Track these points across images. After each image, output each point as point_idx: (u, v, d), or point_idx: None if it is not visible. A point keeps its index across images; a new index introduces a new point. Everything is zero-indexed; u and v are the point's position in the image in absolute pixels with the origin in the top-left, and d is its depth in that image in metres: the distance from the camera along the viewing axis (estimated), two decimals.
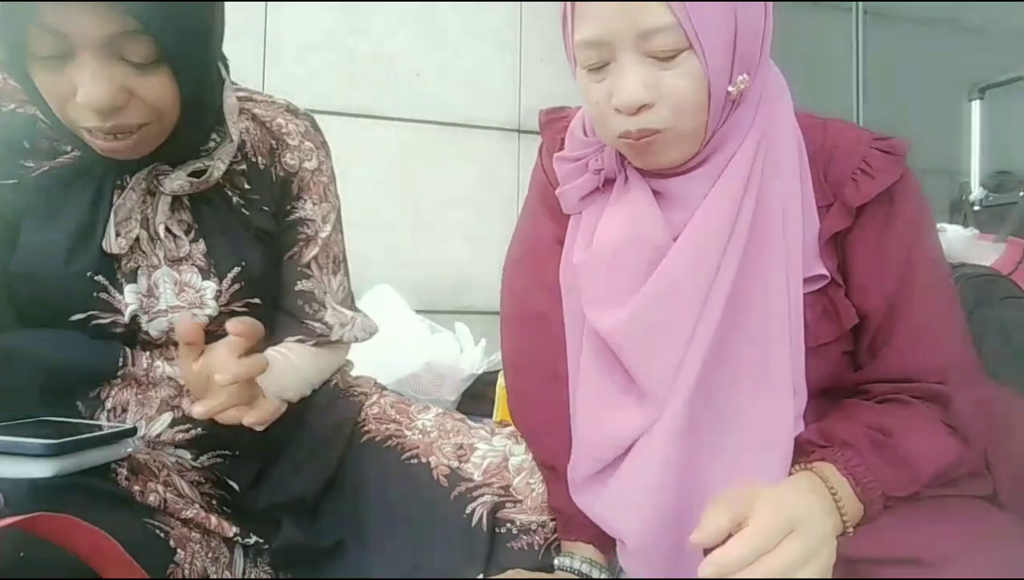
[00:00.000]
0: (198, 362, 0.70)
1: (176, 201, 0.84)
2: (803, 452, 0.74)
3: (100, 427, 0.75)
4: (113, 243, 0.80)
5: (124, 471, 0.77)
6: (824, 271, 0.76)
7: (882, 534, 0.68)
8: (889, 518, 0.70)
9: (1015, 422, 0.82)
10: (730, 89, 0.71)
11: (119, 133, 0.73)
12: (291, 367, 0.87)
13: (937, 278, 0.77)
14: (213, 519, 0.79)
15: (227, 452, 0.88)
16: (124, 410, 0.82)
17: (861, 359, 0.78)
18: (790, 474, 0.73)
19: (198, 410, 0.69)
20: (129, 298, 0.81)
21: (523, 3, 2.35)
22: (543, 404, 0.88)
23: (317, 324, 0.93)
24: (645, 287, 0.76)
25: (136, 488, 0.76)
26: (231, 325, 0.69)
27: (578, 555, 0.81)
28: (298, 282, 0.93)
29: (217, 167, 0.84)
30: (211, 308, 0.85)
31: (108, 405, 0.81)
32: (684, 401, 0.74)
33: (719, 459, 0.75)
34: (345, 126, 2.20)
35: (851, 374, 0.79)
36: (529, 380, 0.90)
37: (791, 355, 0.75)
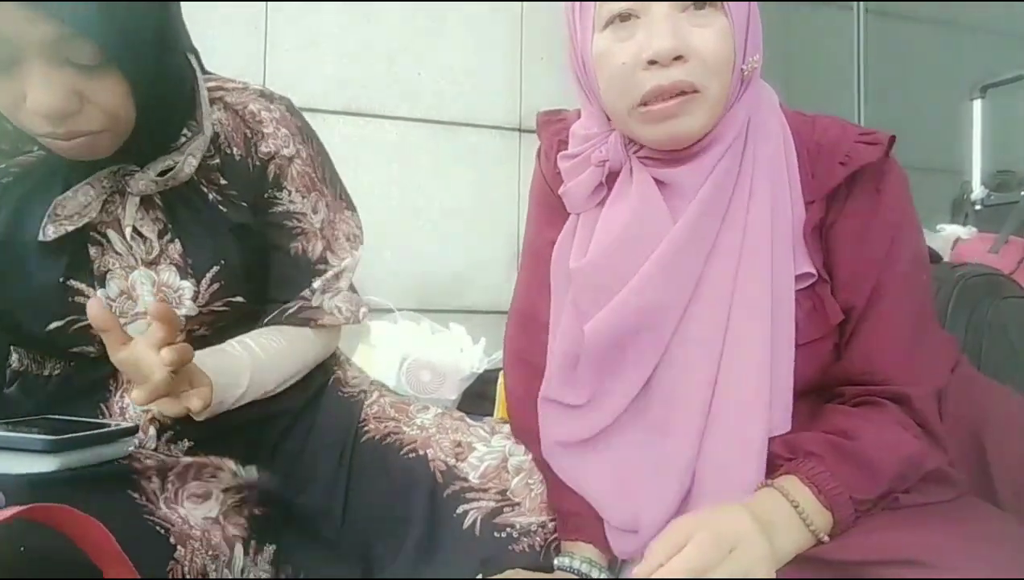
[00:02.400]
0: (122, 351, 0.68)
1: (148, 200, 0.82)
2: (772, 466, 0.74)
3: (103, 425, 0.76)
4: (48, 230, 0.76)
5: (126, 469, 0.77)
6: (811, 269, 0.77)
7: (878, 536, 0.68)
8: (885, 519, 0.70)
9: (1015, 422, 0.82)
10: (743, 67, 0.72)
11: (73, 137, 0.71)
12: (254, 357, 0.84)
13: (912, 277, 0.77)
14: (214, 535, 0.77)
15: (230, 455, 0.88)
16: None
17: (840, 357, 0.79)
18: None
19: (137, 397, 0.68)
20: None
21: (523, 3, 2.35)
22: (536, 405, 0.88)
23: (304, 292, 0.89)
24: (638, 274, 0.76)
25: (143, 482, 0.76)
26: (151, 308, 0.69)
27: (578, 555, 0.80)
28: (303, 277, 0.90)
29: (188, 162, 0.81)
30: (188, 308, 0.83)
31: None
32: (668, 395, 0.76)
33: (711, 449, 0.76)
34: (345, 125, 2.20)
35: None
36: (524, 380, 0.90)
37: (772, 353, 0.75)
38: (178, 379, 0.69)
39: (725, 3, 0.70)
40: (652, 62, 0.69)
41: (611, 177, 0.81)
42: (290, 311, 0.89)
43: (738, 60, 0.71)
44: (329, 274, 0.91)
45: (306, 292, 0.90)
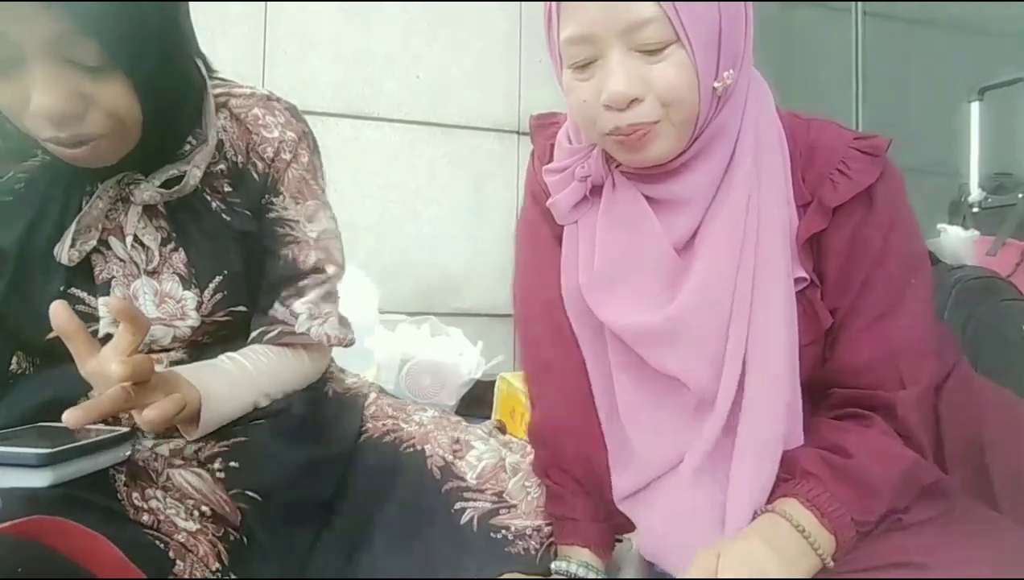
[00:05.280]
0: (90, 362, 0.67)
1: (151, 208, 0.81)
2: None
3: (98, 432, 0.75)
4: (65, 253, 0.76)
5: (123, 477, 0.76)
6: (803, 273, 0.76)
7: (880, 543, 0.68)
8: (884, 525, 0.70)
9: (1013, 425, 0.82)
10: (716, 85, 0.71)
11: (78, 142, 0.70)
12: (245, 372, 0.82)
13: (900, 278, 0.76)
14: (202, 548, 0.76)
15: (227, 452, 0.87)
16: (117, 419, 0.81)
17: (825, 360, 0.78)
18: (754, 515, 0.72)
19: (69, 418, 0.63)
20: (101, 312, 0.79)
21: (523, 3, 2.35)
22: (568, 412, 0.86)
23: (280, 310, 0.87)
24: (675, 303, 0.75)
25: (135, 495, 0.75)
26: (111, 304, 0.67)
27: (574, 559, 0.80)
28: (288, 288, 0.88)
29: (193, 174, 0.80)
30: (193, 319, 0.82)
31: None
32: (727, 404, 0.74)
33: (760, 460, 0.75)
34: (345, 127, 2.20)
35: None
36: (542, 379, 0.89)
37: (791, 355, 0.74)
38: (147, 390, 0.67)
39: (682, 35, 0.67)
40: (608, 106, 0.70)
41: (597, 190, 0.81)
42: (270, 335, 0.87)
43: (703, 84, 0.70)
44: (313, 296, 0.89)
45: (286, 314, 0.87)
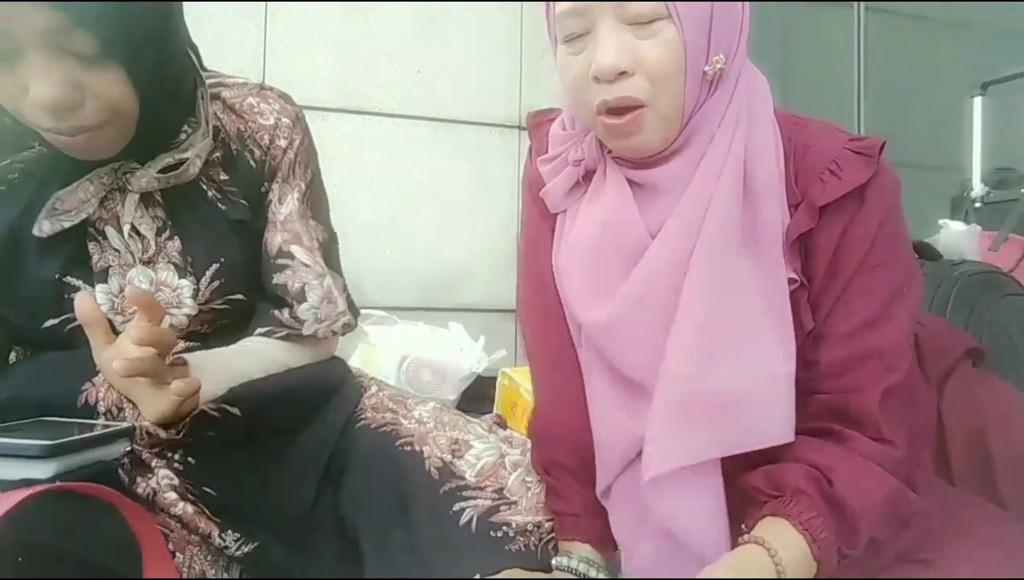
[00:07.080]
0: (106, 351, 0.69)
1: (148, 197, 0.82)
2: (752, 501, 0.71)
3: (98, 427, 0.75)
4: (44, 225, 0.76)
5: (121, 472, 0.76)
6: (793, 274, 0.75)
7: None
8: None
9: (1015, 418, 0.82)
10: (706, 69, 0.71)
11: (76, 132, 0.71)
12: (240, 364, 0.83)
13: (886, 286, 0.73)
14: (194, 515, 0.75)
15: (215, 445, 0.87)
16: (120, 409, 0.81)
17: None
18: (738, 543, 0.69)
19: (118, 366, 0.66)
20: (100, 299, 0.79)
21: (523, 1, 2.34)
22: (565, 409, 0.86)
23: (286, 316, 0.88)
24: (626, 285, 0.75)
25: (138, 478, 0.75)
26: (128, 292, 0.70)
27: (576, 554, 0.80)
28: (268, 270, 0.89)
29: (194, 162, 0.81)
30: (189, 307, 0.83)
31: (101, 409, 0.80)
32: (670, 393, 0.73)
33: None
34: (345, 123, 2.20)
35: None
36: (540, 374, 0.89)
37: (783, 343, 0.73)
38: (163, 369, 0.69)
39: (672, 11, 0.68)
40: (597, 79, 0.70)
41: (589, 176, 0.81)
42: (278, 335, 0.88)
43: (692, 65, 0.70)
44: (314, 299, 0.89)
45: (291, 321, 0.88)
